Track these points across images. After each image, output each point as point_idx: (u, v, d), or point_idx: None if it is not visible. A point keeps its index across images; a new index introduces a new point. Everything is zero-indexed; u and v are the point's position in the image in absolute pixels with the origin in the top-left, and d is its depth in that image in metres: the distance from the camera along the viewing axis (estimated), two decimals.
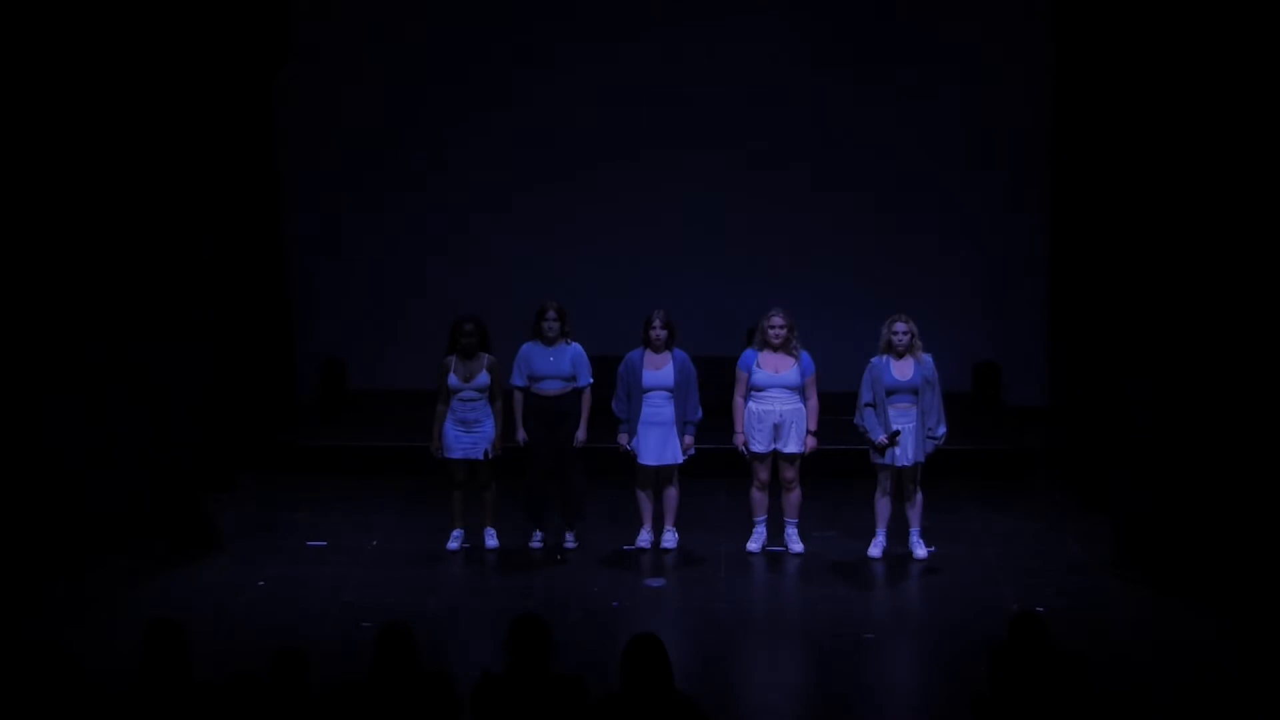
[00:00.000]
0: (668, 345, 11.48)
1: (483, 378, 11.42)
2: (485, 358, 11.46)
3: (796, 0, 14.76)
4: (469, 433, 11.45)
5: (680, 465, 11.58)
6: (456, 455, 11.50)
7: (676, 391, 11.42)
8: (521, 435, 11.56)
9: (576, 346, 11.57)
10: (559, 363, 11.48)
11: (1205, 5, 10.50)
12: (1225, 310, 10.51)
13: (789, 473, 11.49)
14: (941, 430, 11.32)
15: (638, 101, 14.77)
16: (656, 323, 11.46)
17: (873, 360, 11.32)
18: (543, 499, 11.72)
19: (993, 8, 14.64)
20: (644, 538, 11.75)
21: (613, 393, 11.61)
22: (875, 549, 11.54)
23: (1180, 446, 10.77)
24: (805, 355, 11.42)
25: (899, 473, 11.35)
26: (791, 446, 11.43)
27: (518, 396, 11.56)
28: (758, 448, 11.46)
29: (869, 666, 9.97)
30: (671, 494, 11.67)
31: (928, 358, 11.31)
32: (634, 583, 11.23)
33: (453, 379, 11.42)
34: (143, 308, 11.45)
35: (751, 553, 11.68)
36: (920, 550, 11.50)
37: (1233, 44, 10.35)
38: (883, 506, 11.48)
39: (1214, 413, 10.60)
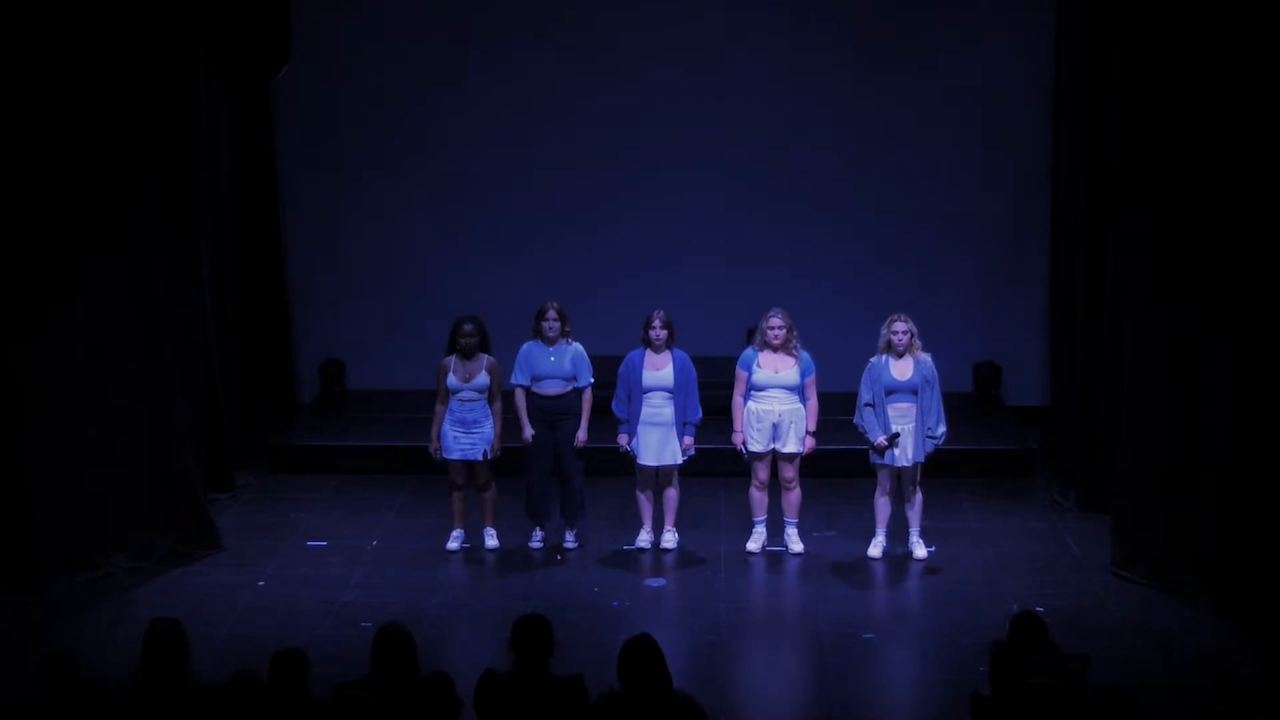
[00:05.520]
0: (667, 345, 11.48)
1: (482, 378, 11.42)
2: (485, 359, 11.46)
3: (798, 4, 14.75)
4: (468, 434, 11.45)
5: (680, 466, 11.58)
6: (455, 456, 11.50)
7: (676, 392, 11.42)
8: (528, 432, 11.53)
9: (577, 346, 11.57)
10: (559, 363, 11.48)
11: (1205, 8, 10.48)
12: (1226, 308, 10.50)
13: (788, 472, 11.50)
14: (941, 430, 11.32)
15: (638, 101, 14.77)
16: (656, 323, 11.46)
17: (872, 360, 11.32)
18: (543, 499, 11.72)
19: (995, 13, 14.62)
20: (644, 538, 11.75)
21: (613, 393, 11.61)
22: (875, 549, 11.55)
23: (1182, 446, 10.76)
24: (805, 355, 11.42)
25: (899, 473, 11.36)
26: (790, 446, 11.43)
27: (519, 394, 11.56)
28: (756, 447, 11.46)
29: (869, 666, 9.97)
30: (671, 494, 11.68)
31: (927, 357, 11.31)
32: (634, 583, 11.23)
33: (452, 379, 11.42)
34: (142, 306, 11.44)
35: (751, 553, 11.68)
36: (920, 550, 11.51)
37: (1236, 45, 10.33)
38: (882, 506, 11.49)
39: (1214, 411, 10.59)
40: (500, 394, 11.52)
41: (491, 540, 11.76)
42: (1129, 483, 11.18)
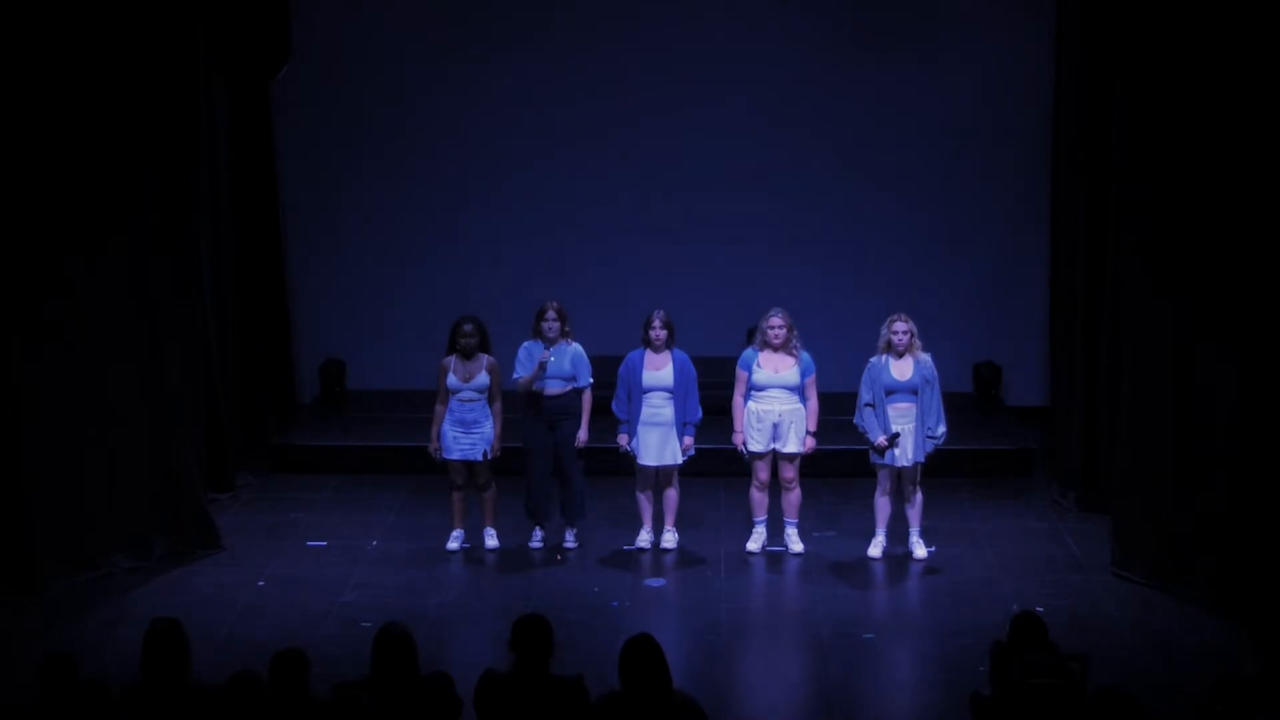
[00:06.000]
0: (667, 345, 11.48)
1: (482, 378, 11.42)
2: (485, 359, 11.45)
3: (798, 4, 14.75)
4: (468, 434, 11.44)
5: (680, 466, 11.58)
6: (455, 456, 11.50)
7: (676, 392, 11.42)
8: (546, 354, 11.38)
9: (576, 346, 11.56)
10: (559, 362, 11.47)
11: (1205, 8, 10.48)
12: (1226, 309, 10.49)
13: (788, 473, 11.49)
14: (941, 430, 11.32)
15: (638, 101, 14.77)
16: (656, 323, 11.46)
17: (872, 360, 11.32)
18: (543, 499, 11.72)
19: (995, 13, 14.62)
20: (644, 538, 11.75)
21: (613, 393, 11.61)
22: (875, 549, 11.54)
23: (1182, 446, 10.76)
24: (805, 355, 11.42)
25: (899, 473, 11.36)
26: (791, 446, 11.43)
27: (523, 381, 11.48)
28: (756, 447, 11.46)
29: (869, 666, 9.97)
30: (671, 494, 11.68)
31: (927, 357, 11.31)
32: (634, 583, 11.23)
33: (452, 379, 11.42)
34: (142, 306, 11.44)
35: (751, 553, 11.68)
36: (920, 550, 11.51)
37: (1236, 45, 10.32)
38: (882, 506, 11.49)
39: (1214, 411, 10.59)
40: (500, 394, 11.51)
41: (491, 540, 11.75)
42: (1129, 483, 11.18)
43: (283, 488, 13.22)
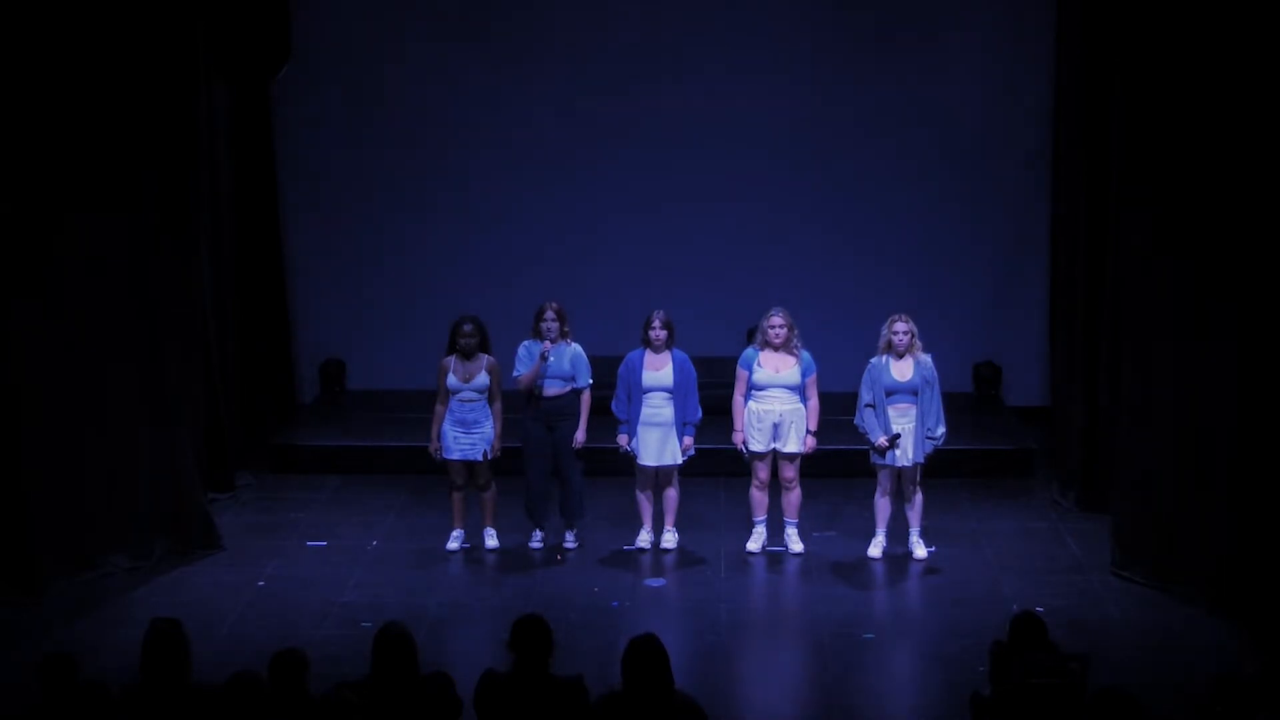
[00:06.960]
0: (667, 345, 11.48)
1: (482, 379, 11.42)
2: (485, 359, 11.45)
3: (799, 4, 14.75)
4: (468, 434, 11.44)
5: (680, 466, 11.58)
6: (455, 456, 11.50)
7: (676, 392, 11.42)
8: (546, 345, 11.39)
9: (576, 347, 11.56)
10: (558, 362, 11.47)
11: (1205, 8, 10.48)
12: (1227, 308, 10.49)
13: (789, 472, 11.49)
14: (940, 430, 11.32)
15: (638, 100, 14.75)
16: (656, 323, 11.46)
17: (872, 360, 11.32)
18: (543, 499, 11.72)
19: (995, 13, 14.62)
20: (644, 538, 11.75)
21: (612, 393, 11.61)
22: (875, 549, 11.55)
23: (1182, 446, 10.76)
24: (806, 355, 11.42)
25: (899, 473, 11.36)
26: (791, 446, 11.43)
27: (525, 377, 11.48)
28: (756, 447, 11.46)
29: (869, 666, 9.97)
30: (671, 494, 11.68)
31: (927, 358, 11.31)
32: (634, 583, 11.23)
33: (452, 380, 11.42)
34: (142, 306, 11.44)
35: (751, 553, 11.68)
36: (920, 550, 11.51)
37: (1236, 45, 10.32)
38: (882, 506, 11.49)
39: (1214, 411, 10.59)
40: (500, 394, 11.51)
41: (491, 540, 11.75)
42: (1129, 483, 11.18)
43: (283, 488, 13.22)
